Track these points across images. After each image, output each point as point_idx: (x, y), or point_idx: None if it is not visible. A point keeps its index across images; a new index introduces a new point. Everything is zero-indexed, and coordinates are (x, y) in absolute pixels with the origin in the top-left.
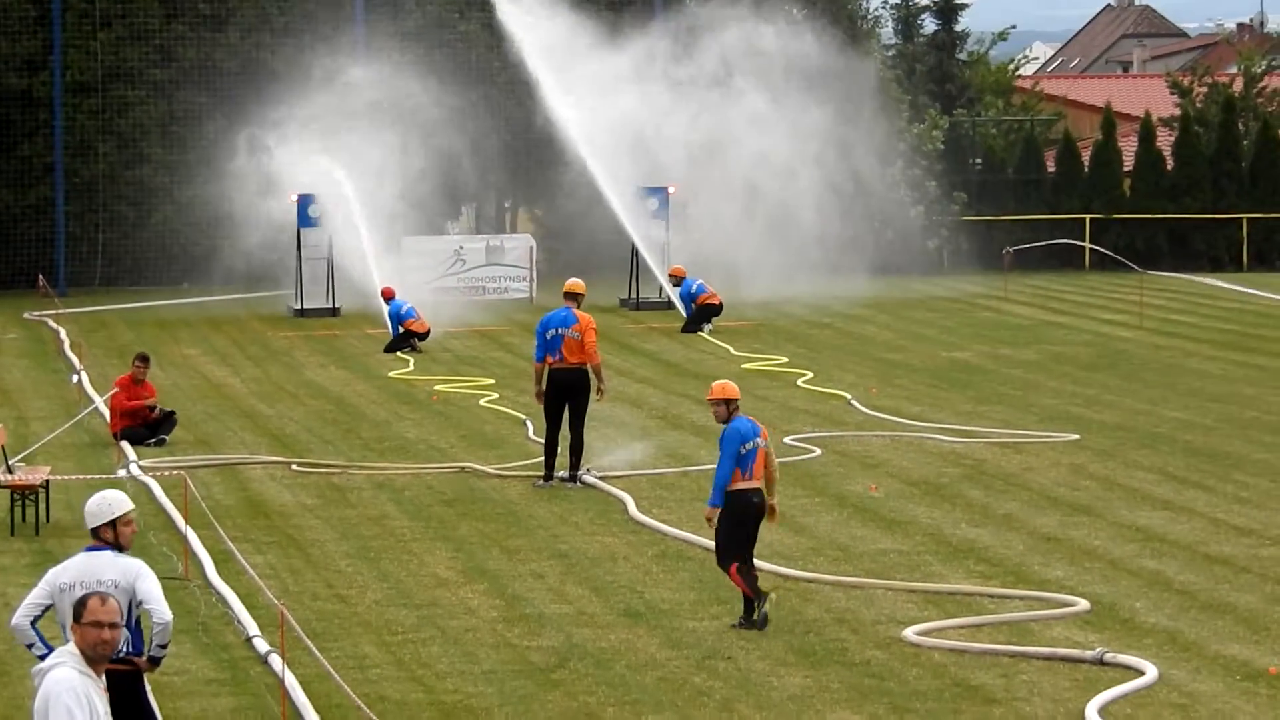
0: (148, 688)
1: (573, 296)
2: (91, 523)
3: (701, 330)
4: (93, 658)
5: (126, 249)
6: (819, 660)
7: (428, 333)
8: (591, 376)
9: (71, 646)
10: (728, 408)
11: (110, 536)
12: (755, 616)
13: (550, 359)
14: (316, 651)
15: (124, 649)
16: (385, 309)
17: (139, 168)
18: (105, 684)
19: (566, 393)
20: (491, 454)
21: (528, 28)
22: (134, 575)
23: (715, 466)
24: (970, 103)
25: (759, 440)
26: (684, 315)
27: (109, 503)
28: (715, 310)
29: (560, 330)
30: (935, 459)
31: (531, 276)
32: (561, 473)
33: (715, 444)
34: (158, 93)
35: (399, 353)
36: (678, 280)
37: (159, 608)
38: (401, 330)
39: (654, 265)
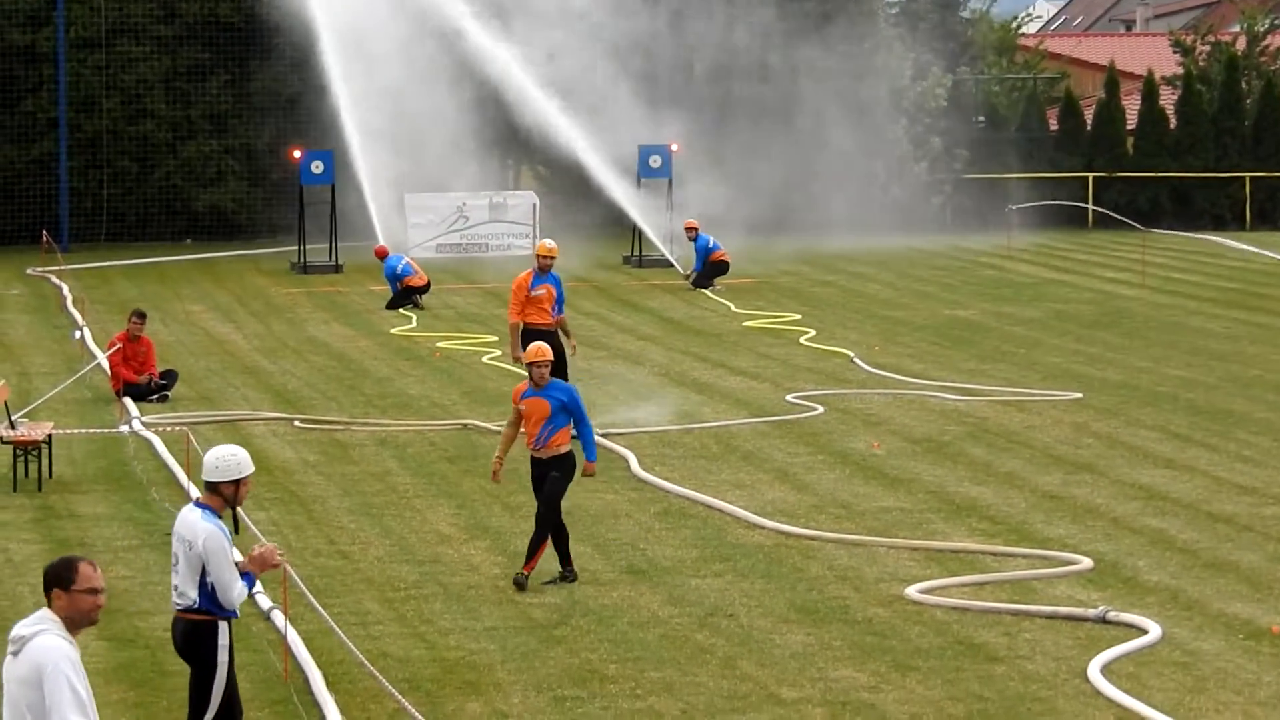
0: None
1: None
2: (214, 476)
3: (710, 287)
4: (79, 623)
5: (130, 205)
6: (821, 618)
7: (428, 285)
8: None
9: (49, 612)
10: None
11: (230, 492)
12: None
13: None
14: (319, 607)
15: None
16: (382, 269)
17: (142, 123)
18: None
19: None
20: (494, 411)
21: None
22: (209, 550)
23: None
24: (973, 60)
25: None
26: (682, 272)
27: (239, 461)
28: (724, 268)
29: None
30: (938, 417)
31: (534, 233)
32: None
33: (718, 401)
34: (161, 48)
35: (401, 309)
36: (692, 234)
37: (221, 583)
38: (401, 287)
39: (648, 229)
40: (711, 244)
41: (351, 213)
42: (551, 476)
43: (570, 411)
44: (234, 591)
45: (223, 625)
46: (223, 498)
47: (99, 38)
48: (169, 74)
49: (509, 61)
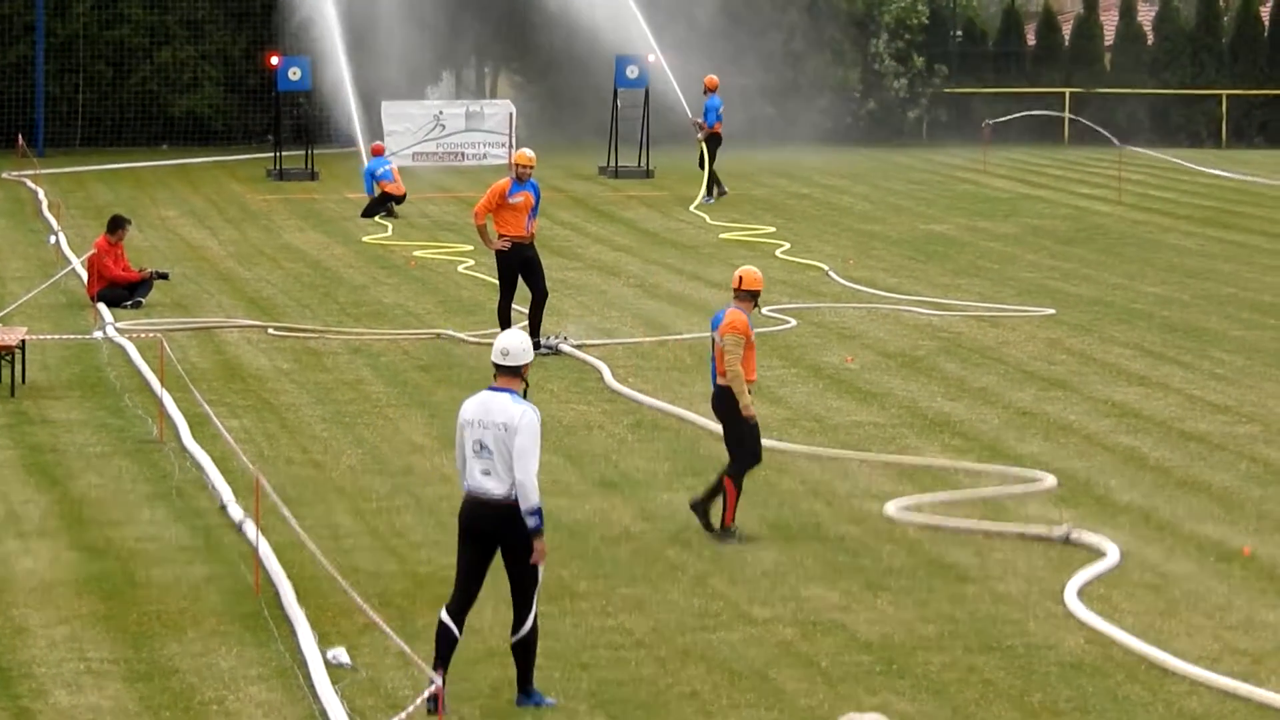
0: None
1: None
2: (508, 360)
3: (709, 199)
4: None
5: (105, 110)
6: (793, 535)
7: (404, 197)
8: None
9: None
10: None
11: (526, 374)
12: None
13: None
14: (292, 518)
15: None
16: (364, 165)
17: (118, 28)
18: None
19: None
20: (469, 320)
21: None
22: (515, 427)
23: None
24: None
25: (713, 333)
26: (691, 119)
27: (528, 347)
28: (718, 141)
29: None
30: (911, 331)
31: (511, 143)
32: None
33: (692, 314)
34: None
35: (376, 217)
36: (710, 89)
37: (519, 467)
38: (378, 192)
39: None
40: (719, 111)
41: (327, 120)
42: None
43: None
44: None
45: None
46: (524, 381)
47: None
48: None
49: None
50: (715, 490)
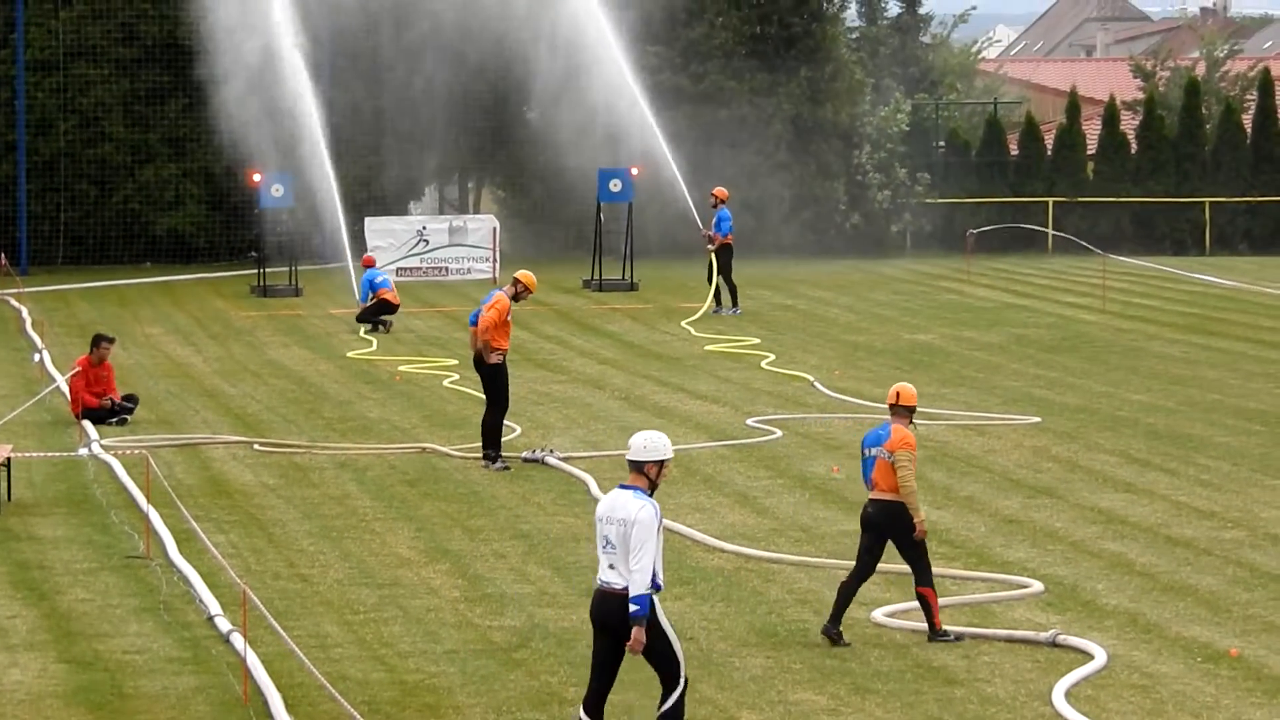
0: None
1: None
2: (642, 456)
3: (720, 310)
4: None
5: (88, 228)
6: (781, 641)
7: (397, 307)
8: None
9: None
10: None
11: (654, 473)
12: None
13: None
14: (280, 629)
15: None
16: (360, 277)
17: (100, 146)
18: None
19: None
20: (454, 434)
21: None
22: (633, 521)
23: (678, 448)
24: (933, 85)
25: (877, 449)
26: (702, 230)
27: (663, 444)
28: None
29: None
30: None
31: (495, 257)
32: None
33: (678, 425)
34: (120, 71)
35: (363, 332)
36: (718, 203)
37: (633, 558)
38: (374, 300)
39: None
40: (730, 223)
41: (310, 237)
42: None
43: None
44: (658, 564)
45: (654, 597)
46: (647, 478)
47: (57, 59)
48: (127, 97)
49: None
50: (843, 606)
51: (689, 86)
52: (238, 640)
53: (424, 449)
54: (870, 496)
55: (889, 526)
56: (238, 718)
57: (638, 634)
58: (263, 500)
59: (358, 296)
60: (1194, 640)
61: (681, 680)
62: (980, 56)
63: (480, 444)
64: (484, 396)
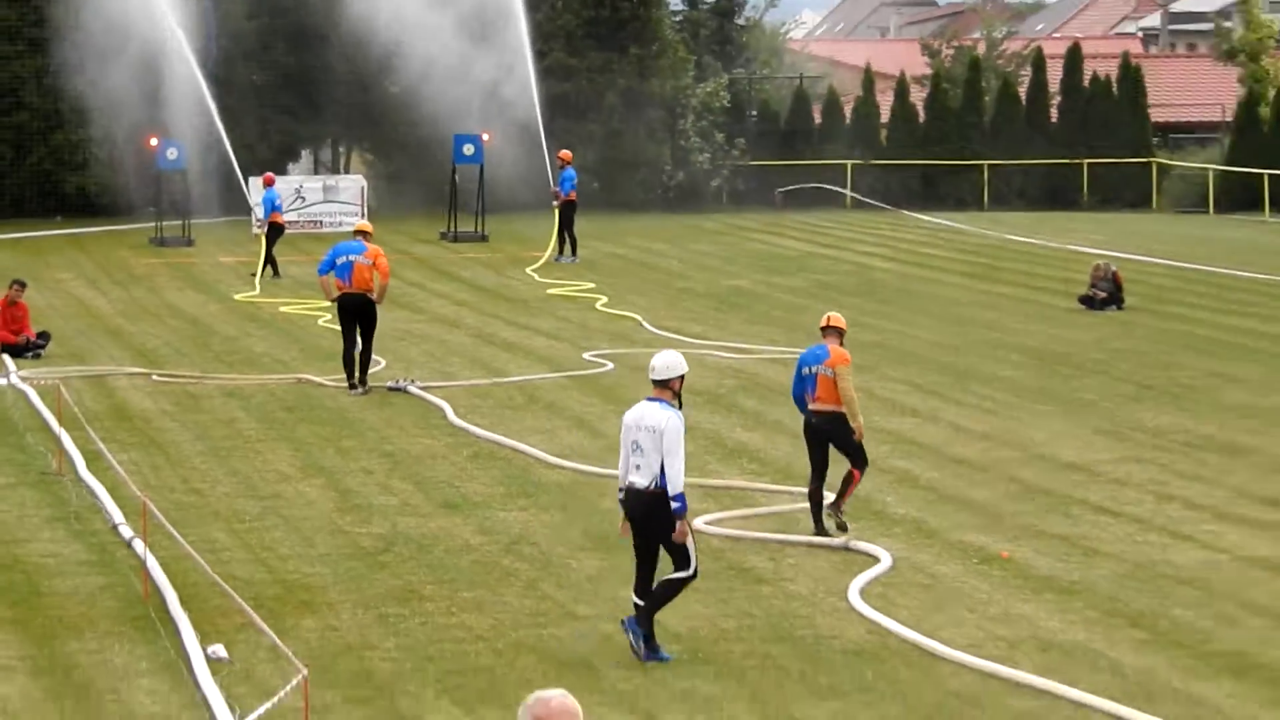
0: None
1: (363, 233)
2: (655, 375)
3: (561, 259)
4: None
5: (5, 186)
6: (611, 546)
7: (284, 228)
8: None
9: None
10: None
11: (677, 386)
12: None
13: (340, 284)
14: (177, 535)
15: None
16: (260, 195)
17: (17, 114)
18: None
19: (356, 315)
20: (327, 366)
21: None
22: (663, 429)
23: (523, 378)
24: (748, 62)
25: (817, 366)
26: (553, 188)
27: (678, 362)
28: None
29: (351, 257)
30: (715, 372)
31: (363, 212)
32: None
33: (523, 359)
34: (33, 49)
35: (253, 275)
36: (565, 162)
37: (668, 462)
38: (271, 220)
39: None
40: (574, 181)
41: (200, 193)
42: None
43: None
44: (683, 468)
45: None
46: (672, 390)
47: None
48: (40, 71)
49: None
50: (820, 506)
51: (535, 63)
52: (139, 545)
53: (300, 379)
54: (811, 408)
55: (832, 433)
56: (138, 612)
57: (682, 527)
58: (160, 424)
59: (259, 215)
60: (971, 545)
61: (692, 569)
62: (789, 37)
63: (358, 374)
64: (343, 331)
